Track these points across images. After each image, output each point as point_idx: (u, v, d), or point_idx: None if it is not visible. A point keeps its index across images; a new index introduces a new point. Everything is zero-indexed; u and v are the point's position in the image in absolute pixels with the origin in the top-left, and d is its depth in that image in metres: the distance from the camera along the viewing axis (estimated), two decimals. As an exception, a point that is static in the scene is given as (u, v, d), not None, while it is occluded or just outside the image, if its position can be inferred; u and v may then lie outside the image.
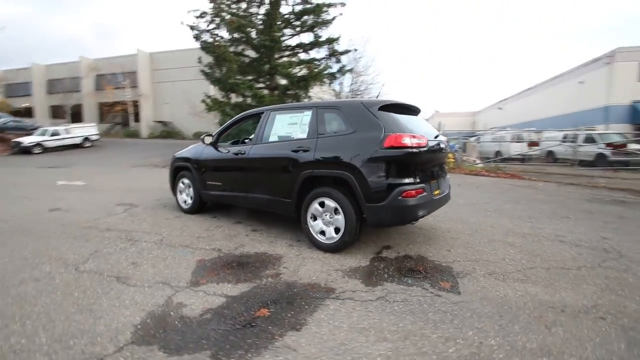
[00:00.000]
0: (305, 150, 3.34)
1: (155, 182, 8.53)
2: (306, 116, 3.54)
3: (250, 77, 17.37)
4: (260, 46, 15.90)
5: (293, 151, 3.44)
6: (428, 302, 2.25)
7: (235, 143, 4.75)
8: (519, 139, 18.22)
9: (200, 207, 4.74)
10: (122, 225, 4.13)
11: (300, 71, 16.53)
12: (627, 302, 2.26)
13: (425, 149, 3.05)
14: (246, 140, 4.83)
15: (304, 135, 3.46)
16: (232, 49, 16.56)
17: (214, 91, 19.82)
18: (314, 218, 3.33)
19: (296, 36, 17.73)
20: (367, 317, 2.06)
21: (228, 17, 15.62)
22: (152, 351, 1.72)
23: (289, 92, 17.34)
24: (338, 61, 17.56)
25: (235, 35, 16.21)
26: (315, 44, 17.30)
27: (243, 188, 3.98)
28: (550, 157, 17.18)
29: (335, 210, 3.15)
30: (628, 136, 16.01)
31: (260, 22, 16.58)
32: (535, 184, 9.23)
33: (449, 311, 2.14)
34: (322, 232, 3.27)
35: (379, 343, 1.79)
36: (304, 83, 16.20)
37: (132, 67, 30.29)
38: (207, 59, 16.92)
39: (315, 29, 17.22)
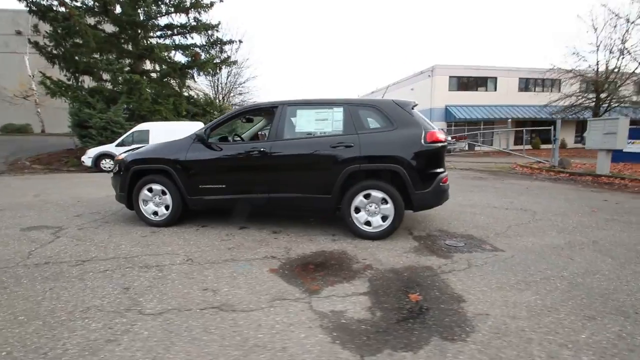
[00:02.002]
0: (347, 146, 3.44)
1: (15, 195, 6.18)
2: (337, 112, 3.61)
3: (107, 57, 14.12)
4: (128, 21, 13.14)
5: (332, 147, 3.47)
6: (500, 260, 2.92)
7: (223, 140, 4.19)
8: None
9: (180, 216, 3.97)
10: (94, 254, 3.05)
11: (184, 57, 14.67)
12: (578, 237, 3.61)
13: (446, 143, 3.73)
14: (231, 138, 4.36)
15: (340, 131, 3.54)
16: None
17: (33, 68, 15.02)
18: (357, 210, 3.50)
19: (168, 16, 15.53)
20: (488, 279, 2.54)
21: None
22: (395, 352, 1.67)
23: (164, 80, 15.21)
24: (221, 51, 16.53)
25: (89, 2, 12.78)
26: (194, 28, 15.67)
27: (262, 189, 3.64)
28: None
29: (383, 200, 3.43)
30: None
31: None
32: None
33: (516, 262, 2.87)
34: (367, 223, 3.49)
35: (523, 292, 2.32)
36: (188, 71, 14.50)
37: None
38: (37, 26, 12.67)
39: (190, 12, 15.54)
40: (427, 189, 3.41)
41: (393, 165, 3.37)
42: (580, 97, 19.93)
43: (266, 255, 3.06)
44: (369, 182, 3.44)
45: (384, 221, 3.46)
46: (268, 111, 3.89)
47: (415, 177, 3.37)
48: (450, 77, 24.48)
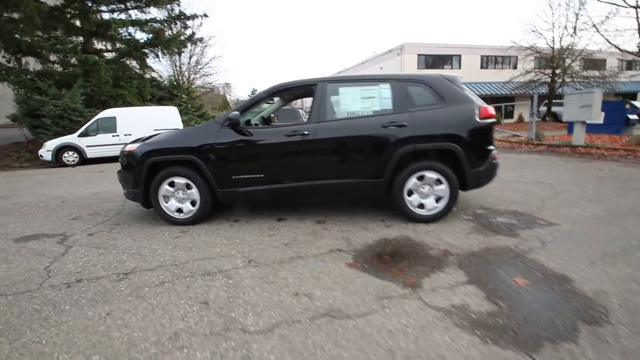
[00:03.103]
0: (400, 126, 3.20)
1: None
2: (384, 89, 3.34)
3: (54, 35, 12.29)
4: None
5: (384, 127, 3.22)
6: (564, 235, 2.93)
7: (248, 123, 3.75)
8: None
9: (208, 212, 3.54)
10: (132, 264, 2.59)
11: (144, 34, 13.16)
12: (612, 206, 3.75)
13: (496, 119, 3.62)
14: (254, 121, 3.95)
15: (389, 110, 3.29)
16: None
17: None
18: (409, 193, 3.33)
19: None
20: (574, 255, 2.51)
21: None
22: (557, 344, 1.56)
23: (122, 61, 13.66)
24: (185, 27, 15.06)
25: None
26: (151, 0, 14.03)
27: (305, 176, 3.32)
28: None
29: (437, 181, 3.28)
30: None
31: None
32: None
33: (581, 235, 2.89)
34: (420, 205, 3.34)
35: (615, 265, 2.31)
36: (151, 50, 13.08)
37: None
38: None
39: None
40: (481, 166, 3.31)
41: (450, 144, 3.21)
42: (538, 73, 21.19)
43: (331, 249, 2.80)
44: (424, 163, 3.26)
45: (437, 203, 3.33)
46: (304, 90, 3.51)
47: (471, 155, 3.25)
48: (418, 55, 24.76)
